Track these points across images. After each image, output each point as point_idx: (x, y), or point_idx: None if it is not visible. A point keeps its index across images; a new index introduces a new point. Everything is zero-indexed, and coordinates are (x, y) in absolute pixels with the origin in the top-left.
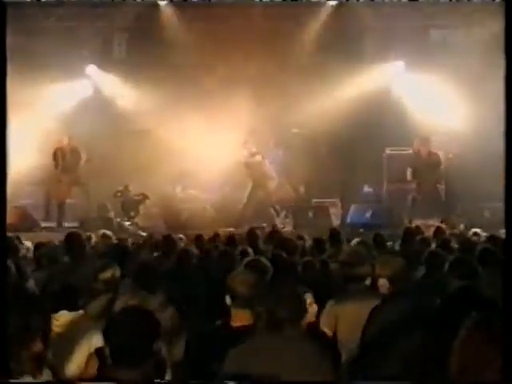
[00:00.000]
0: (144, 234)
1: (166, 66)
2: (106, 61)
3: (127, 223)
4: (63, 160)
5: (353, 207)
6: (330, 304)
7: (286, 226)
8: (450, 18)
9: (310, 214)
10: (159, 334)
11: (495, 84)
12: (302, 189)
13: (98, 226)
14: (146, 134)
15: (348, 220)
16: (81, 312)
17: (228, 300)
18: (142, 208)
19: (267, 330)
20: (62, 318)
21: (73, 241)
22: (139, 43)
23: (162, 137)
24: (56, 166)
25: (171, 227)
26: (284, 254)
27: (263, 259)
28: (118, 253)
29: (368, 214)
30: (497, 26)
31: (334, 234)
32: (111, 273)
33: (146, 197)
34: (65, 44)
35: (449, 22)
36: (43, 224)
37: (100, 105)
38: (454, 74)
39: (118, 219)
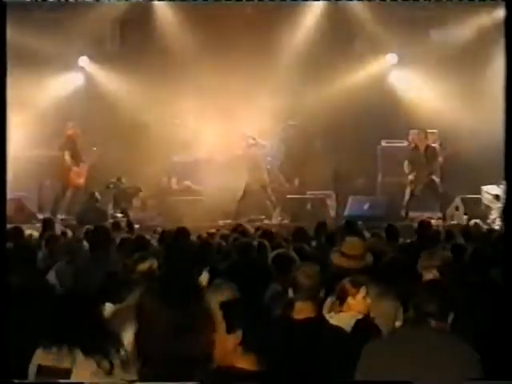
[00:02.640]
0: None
1: (161, 58)
2: (98, 53)
3: (120, 215)
4: (74, 149)
5: (350, 199)
6: None
7: (284, 219)
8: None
9: (308, 206)
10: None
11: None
12: (296, 181)
13: (92, 218)
14: (141, 126)
15: (346, 212)
16: (124, 304)
17: (290, 292)
18: (134, 200)
19: (412, 324)
20: (107, 310)
21: (100, 234)
22: (132, 35)
23: (157, 128)
24: (72, 154)
25: (167, 219)
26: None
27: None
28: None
29: (366, 206)
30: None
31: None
32: (149, 264)
33: (138, 189)
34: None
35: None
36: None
37: (93, 96)
38: (448, 66)
39: (112, 211)
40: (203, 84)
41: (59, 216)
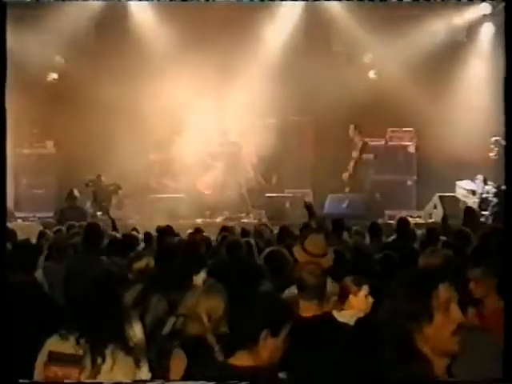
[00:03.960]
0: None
1: (137, 57)
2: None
3: (99, 213)
4: None
5: (329, 197)
6: None
7: (262, 217)
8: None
9: (287, 205)
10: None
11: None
12: (274, 179)
13: (72, 217)
14: (119, 123)
15: (325, 210)
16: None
17: (295, 291)
18: (114, 198)
19: None
20: None
21: (92, 232)
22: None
23: (134, 126)
24: None
25: (145, 218)
26: None
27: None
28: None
29: (344, 205)
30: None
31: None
32: (146, 262)
33: (118, 187)
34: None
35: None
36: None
37: (68, 93)
38: (424, 65)
39: (91, 209)
40: (180, 82)
41: (37, 214)
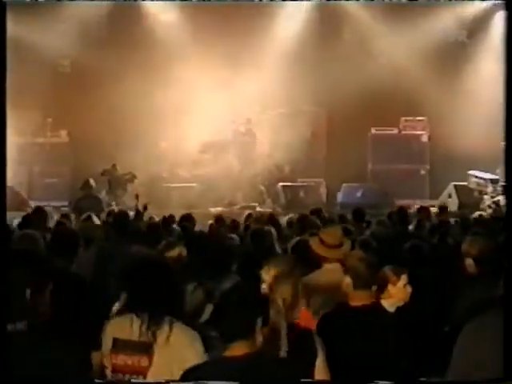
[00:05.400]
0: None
1: (150, 50)
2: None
3: (113, 202)
4: None
5: (343, 187)
6: None
7: (276, 207)
8: None
9: (301, 194)
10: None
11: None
12: (287, 168)
13: (87, 205)
14: (131, 113)
15: (339, 200)
16: None
17: (348, 280)
18: (129, 187)
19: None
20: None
21: (120, 220)
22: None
23: (146, 116)
24: None
25: (158, 207)
26: None
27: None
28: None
29: (359, 194)
30: None
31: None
32: (178, 251)
33: (134, 176)
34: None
35: None
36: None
37: (81, 85)
38: (437, 55)
39: (107, 198)
40: (193, 73)
41: (53, 203)
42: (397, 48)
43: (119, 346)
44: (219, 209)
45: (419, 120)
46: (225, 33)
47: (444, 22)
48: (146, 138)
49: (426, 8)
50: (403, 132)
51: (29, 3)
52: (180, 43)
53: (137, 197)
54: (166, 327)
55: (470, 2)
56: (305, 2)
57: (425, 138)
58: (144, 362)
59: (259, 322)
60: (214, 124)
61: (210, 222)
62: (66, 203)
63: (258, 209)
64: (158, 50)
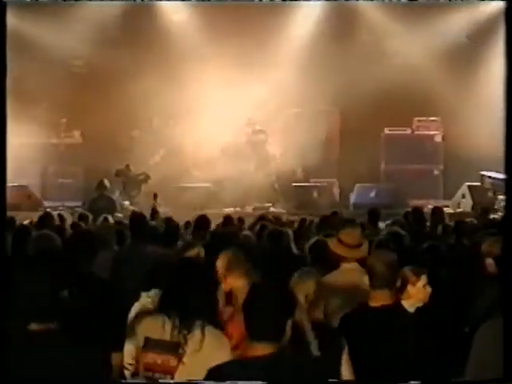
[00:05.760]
0: None
1: (164, 50)
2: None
3: (127, 203)
4: None
5: (357, 187)
6: None
7: (290, 207)
8: None
9: (315, 194)
10: (295, 309)
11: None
12: (299, 169)
13: (102, 206)
14: (145, 113)
15: (352, 200)
16: None
17: (367, 280)
18: (143, 188)
19: None
20: (153, 296)
21: (136, 221)
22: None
23: (162, 115)
24: None
25: (172, 207)
26: None
27: None
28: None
29: (372, 194)
30: None
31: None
32: (196, 251)
33: (147, 176)
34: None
35: None
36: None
37: (96, 83)
38: (451, 54)
39: (120, 199)
40: (207, 73)
41: (67, 204)
42: (411, 48)
43: (150, 345)
44: (232, 209)
45: (433, 120)
46: (239, 32)
47: (458, 22)
48: (160, 139)
49: (440, 8)
50: (416, 132)
51: (45, 3)
52: (194, 43)
53: (155, 197)
54: (197, 331)
55: (485, 2)
56: (319, 2)
57: (438, 138)
58: (173, 361)
59: (290, 322)
60: (227, 124)
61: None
62: (79, 203)
63: (272, 209)
64: (171, 49)
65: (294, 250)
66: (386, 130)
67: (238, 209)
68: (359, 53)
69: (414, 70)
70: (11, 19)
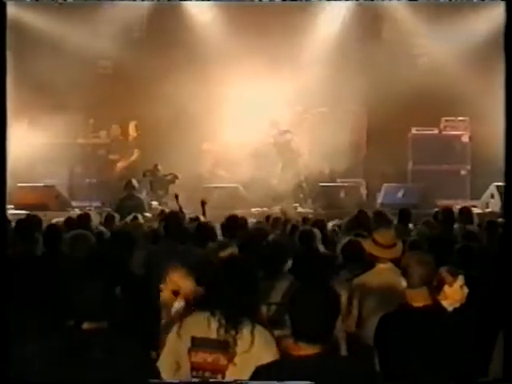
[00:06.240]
0: None
1: (189, 50)
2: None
3: (155, 203)
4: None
5: (384, 187)
6: None
7: (317, 207)
8: None
9: (342, 194)
10: (339, 310)
11: None
12: (326, 168)
13: (130, 206)
14: (173, 113)
15: (380, 200)
16: None
17: (403, 281)
18: (171, 188)
19: None
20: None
21: (172, 220)
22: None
23: (187, 117)
24: None
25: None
26: None
27: None
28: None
29: (400, 194)
30: None
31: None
32: (231, 251)
33: (175, 177)
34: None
35: None
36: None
37: (122, 85)
38: (478, 53)
39: (148, 199)
40: (232, 73)
41: (93, 204)
42: (438, 47)
43: (198, 344)
44: (260, 209)
45: (460, 120)
46: (266, 32)
47: (485, 22)
48: (188, 139)
49: (467, 7)
50: (443, 132)
51: (74, 4)
52: (220, 43)
53: (176, 197)
54: (246, 331)
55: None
56: (345, 2)
57: (466, 138)
58: (223, 360)
59: (338, 324)
60: (253, 124)
61: (254, 220)
62: (107, 204)
63: (299, 209)
64: (198, 49)
65: (323, 250)
66: (414, 130)
67: (265, 209)
68: (386, 52)
69: (441, 70)
70: (38, 19)
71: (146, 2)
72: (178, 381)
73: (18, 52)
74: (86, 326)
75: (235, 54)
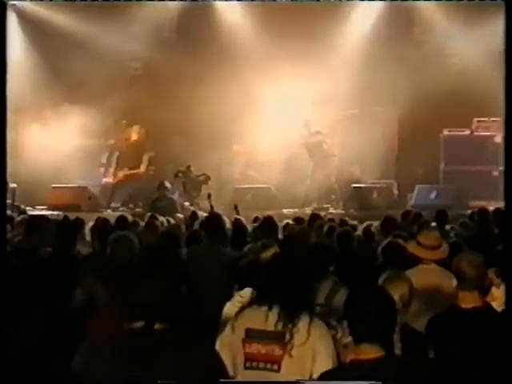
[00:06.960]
0: None
1: (219, 52)
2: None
3: (187, 203)
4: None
5: (417, 188)
6: None
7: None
8: None
9: (374, 195)
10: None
11: None
12: (358, 169)
13: (162, 207)
14: (204, 114)
15: (412, 201)
16: None
17: (454, 282)
18: (203, 189)
19: None
20: (246, 295)
21: (213, 222)
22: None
23: (220, 116)
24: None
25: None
26: None
27: None
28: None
29: (433, 195)
30: None
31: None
32: (272, 252)
33: (208, 177)
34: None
35: None
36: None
37: (155, 84)
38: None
39: (182, 200)
40: (264, 75)
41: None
42: (469, 48)
43: (253, 335)
44: (292, 210)
45: (493, 121)
46: (296, 33)
47: None
48: (220, 140)
49: (498, 7)
50: (475, 133)
51: (105, 4)
52: (250, 43)
53: (209, 196)
54: (303, 323)
55: None
56: (376, 2)
57: (498, 139)
58: (278, 351)
59: (398, 325)
60: (285, 125)
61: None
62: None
63: (331, 210)
64: (228, 50)
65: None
66: (445, 131)
67: (296, 210)
68: (418, 53)
69: (472, 70)
70: (70, 20)
71: (175, 2)
72: (247, 381)
73: (51, 53)
74: (157, 326)
75: (266, 55)
